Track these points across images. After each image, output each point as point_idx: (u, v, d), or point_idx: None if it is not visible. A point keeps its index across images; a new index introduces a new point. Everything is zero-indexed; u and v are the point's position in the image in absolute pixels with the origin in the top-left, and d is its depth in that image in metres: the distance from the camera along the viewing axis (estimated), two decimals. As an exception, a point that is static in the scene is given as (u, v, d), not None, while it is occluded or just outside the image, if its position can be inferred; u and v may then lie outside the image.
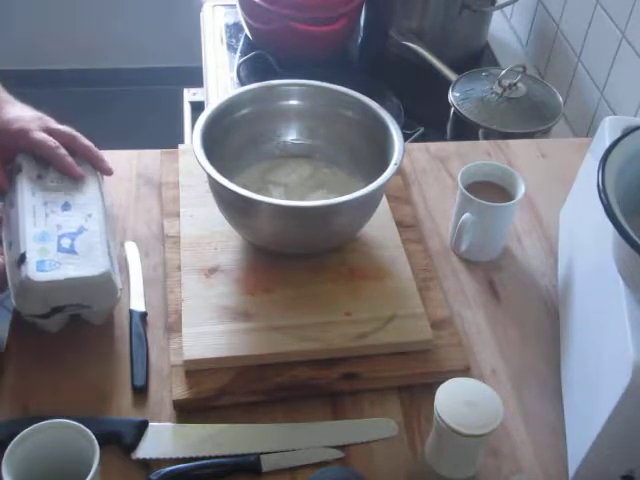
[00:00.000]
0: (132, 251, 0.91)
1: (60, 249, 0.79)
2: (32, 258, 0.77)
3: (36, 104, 0.94)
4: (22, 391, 0.78)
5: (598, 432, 0.68)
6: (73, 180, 0.87)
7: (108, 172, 0.92)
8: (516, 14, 1.67)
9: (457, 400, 0.64)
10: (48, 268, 0.77)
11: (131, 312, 0.85)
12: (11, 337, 0.83)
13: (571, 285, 0.87)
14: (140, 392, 0.78)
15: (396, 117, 0.94)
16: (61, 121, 0.92)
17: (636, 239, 0.61)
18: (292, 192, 0.92)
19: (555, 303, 0.91)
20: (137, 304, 0.86)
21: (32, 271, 0.76)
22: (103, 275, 0.78)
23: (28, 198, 0.84)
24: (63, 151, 0.88)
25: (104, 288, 0.79)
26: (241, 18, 1.54)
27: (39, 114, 0.92)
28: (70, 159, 0.87)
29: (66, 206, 0.84)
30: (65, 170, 0.87)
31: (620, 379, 0.64)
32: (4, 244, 0.82)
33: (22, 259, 0.77)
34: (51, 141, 0.88)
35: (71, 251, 0.79)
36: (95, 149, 0.91)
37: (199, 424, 0.76)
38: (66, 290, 0.77)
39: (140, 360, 0.80)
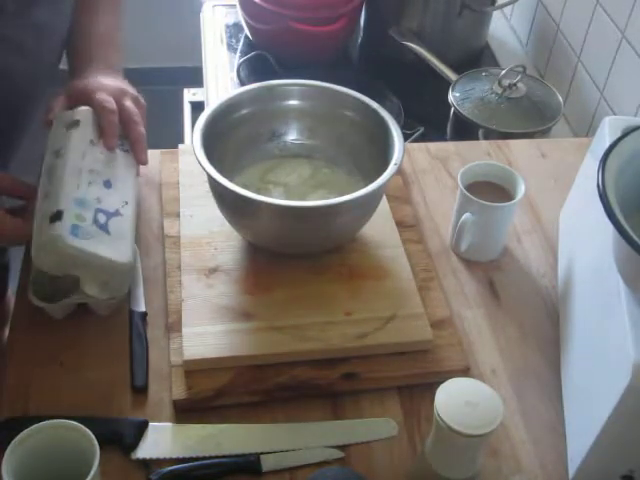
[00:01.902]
0: (132, 251, 0.91)
1: (95, 222, 0.78)
2: (68, 219, 0.75)
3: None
4: (22, 391, 0.78)
5: (598, 432, 0.68)
6: (117, 160, 0.86)
7: (143, 162, 0.90)
8: (516, 14, 1.67)
9: (457, 400, 0.64)
10: (81, 236, 0.75)
11: (131, 312, 0.85)
12: (12, 336, 0.83)
13: (571, 285, 0.87)
14: (140, 392, 0.78)
15: (396, 117, 0.94)
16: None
17: (636, 239, 0.61)
18: (292, 192, 0.92)
19: (555, 303, 0.91)
20: (137, 304, 0.86)
21: (66, 232, 0.74)
22: (126, 265, 0.78)
23: (77, 158, 0.81)
24: (115, 119, 0.87)
25: (121, 277, 0.79)
26: (241, 18, 1.54)
27: (125, 88, 0.92)
28: (114, 129, 0.86)
29: (108, 183, 0.82)
30: (103, 134, 0.85)
31: (620, 379, 0.64)
32: (39, 191, 0.80)
33: (58, 216, 0.75)
34: (111, 103, 0.87)
35: (104, 229, 0.78)
36: (143, 142, 0.90)
37: (199, 424, 0.76)
38: (88, 264, 0.76)
39: (140, 360, 0.80)
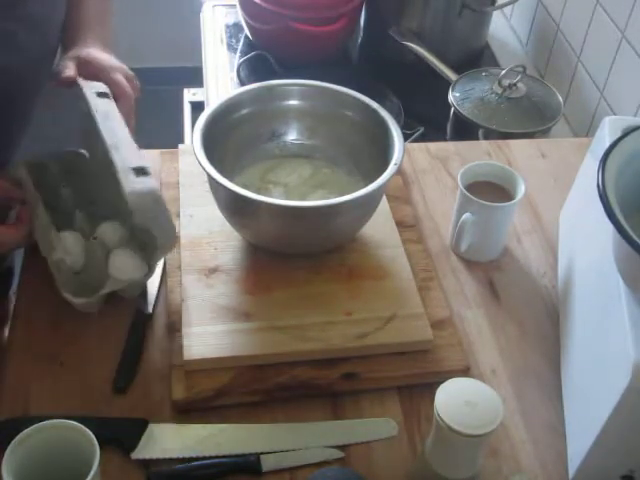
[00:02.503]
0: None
1: None
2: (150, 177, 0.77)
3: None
4: (22, 391, 0.78)
5: (598, 432, 0.68)
6: None
7: None
8: (516, 14, 1.67)
9: (457, 400, 0.64)
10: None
11: (137, 312, 0.85)
12: (12, 336, 0.83)
13: (571, 285, 0.87)
14: (124, 393, 0.78)
15: (396, 117, 0.94)
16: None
17: (636, 239, 0.61)
18: (292, 192, 0.92)
19: (555, 303, 0.91)
20: (144, 305, 0.86)
21: (156, 186, 0.76)
22: (176, 237, 0.80)
23: (122, 129, 0.82)
24: (131, 106, 0.87)
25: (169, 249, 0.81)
26: (241, 18, 1.55)
27: (132, 74, 0.92)
28: (132, 115, 0.87)
29: None
30: (126, 118, 0.85)
31: (620, 379, 0.64)
32: (106, 140, 0.79)
33: (143, 172, 0.77)
34: (129, 89, 0.88)
35: None
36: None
37: (199, 424, 0.76)
38: (160, 226, 0.78)
39: (127, 362, 0.80)
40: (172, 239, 0.80)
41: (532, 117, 1.27)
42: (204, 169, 0.81)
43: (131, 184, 0.76)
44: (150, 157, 1.04)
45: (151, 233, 0.77)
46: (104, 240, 0.83)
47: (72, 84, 0.86)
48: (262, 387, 0.78)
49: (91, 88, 0.85)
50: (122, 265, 0.81)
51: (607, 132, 0.84)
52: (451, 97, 1.30)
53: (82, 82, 0.86)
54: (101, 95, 0.85)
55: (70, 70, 0.87)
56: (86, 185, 0.91)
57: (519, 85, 1.30)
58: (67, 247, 0.81)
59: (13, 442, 0.62)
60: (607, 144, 0.72)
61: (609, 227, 0.64)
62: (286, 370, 0.79)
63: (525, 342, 0.87)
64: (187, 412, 0.77)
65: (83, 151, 0.93)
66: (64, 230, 0.83)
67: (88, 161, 0.92)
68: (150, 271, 0.83)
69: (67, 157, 0.93)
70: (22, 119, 0.97)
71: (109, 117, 0.82)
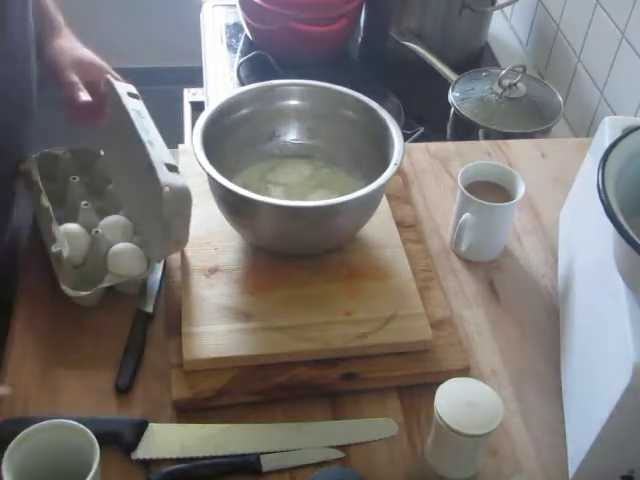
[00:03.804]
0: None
1: None
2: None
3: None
4: (22, 391, 0.78)
5: (598, 432, 0.68)
6: None
7: None
8: (516, 14, 1.67)
9: (457, 400, 0.64)
10: None
11: (138, 311, 0.85)
12: (12, 336, 0.83)
13: (571, 285, 0.87)
14: (125, 393, 0.78)
15: (396, 117, 0.94)
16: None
17: (636, 239, 0.61)
18: (292, 192, 0.92)
19: (555, 303, 0.91)
20: (146, 304, 0.86)
21: (188, 185, 0.78)
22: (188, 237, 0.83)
23: (153, 128, 0.85)
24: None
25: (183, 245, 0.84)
26: (241, 18, 1.55)
27: None
28: None
29: None
30: None
31: (620, 379, 0.64)
32: (142, 136, 0.82)
33: (175, 169, 0.79)
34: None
35: None
36: None
37: (199, 424, 0.76)
38: (185, 220, 0.80)
39: (128, 362, 0.80)
40: (186, 238, 0.81)
41: (532, 117, 1.27)
42: (204, 169, 0.81)
43: (167, 177, 0.77)
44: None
45: (169, 228, 0.78)
46: (106, 234, 0.83)
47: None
48: (262, 387, 0.78)
49: (123, 88, 0.88)
50: (121, 261, 0.82)
51: (607, 132, 0.84)
52: (451, 97, 1.30)
53: (113, 81, 0.89)
54: (131, 95, 0.87)
55: (85, 95, 0.90)
56: (96, 179, 0.92)
57: (519, 85, 1.30)
58: (68, 239, 0.82)
59: (13, 442, 0.62)
60: (607, 144, 0.72)
61: (609, 227, 0.64)
62: (286, 370, 0.79)
63: (525, 342, 0.87)
64: (187, 412, 0.77)
65: (101, 151, 0.93)
66: (68, 223, 0.84)
67: (101, 158, 0.93)
68: (149, 268, 0.83)
69: (80, 151, 0.94)
70: (23, 127, 0.96)
71: (142, 115, 0.84)
